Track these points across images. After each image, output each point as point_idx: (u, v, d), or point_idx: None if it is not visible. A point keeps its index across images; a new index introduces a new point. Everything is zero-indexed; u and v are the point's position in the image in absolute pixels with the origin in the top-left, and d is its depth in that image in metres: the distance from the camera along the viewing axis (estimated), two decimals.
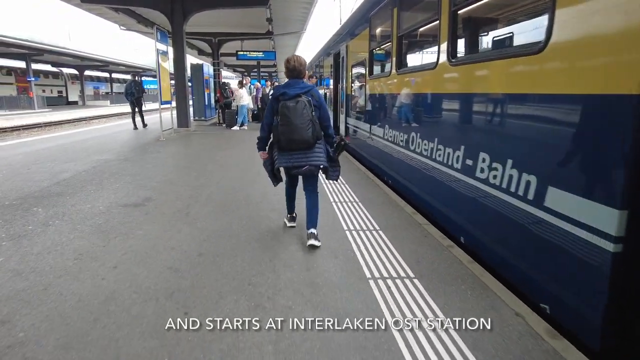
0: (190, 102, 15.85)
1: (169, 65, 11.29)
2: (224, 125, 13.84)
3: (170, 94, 11.25)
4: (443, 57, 3.77)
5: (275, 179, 3.46)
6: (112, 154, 7.77)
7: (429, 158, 4.15)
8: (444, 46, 3.76)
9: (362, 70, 7.95)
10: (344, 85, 9.60)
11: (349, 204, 4.60)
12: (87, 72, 44.76)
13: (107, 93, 48.74)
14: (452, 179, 3.57)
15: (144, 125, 13.11)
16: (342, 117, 10.05)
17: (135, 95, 12.40)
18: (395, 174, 5.61)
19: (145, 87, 19.63)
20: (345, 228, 3.72)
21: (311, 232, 3.27)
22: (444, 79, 3.90)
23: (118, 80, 52.29)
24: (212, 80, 16.54)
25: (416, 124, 4.71)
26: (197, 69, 14.89)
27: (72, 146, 8.87)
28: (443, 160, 3.78)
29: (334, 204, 4.60)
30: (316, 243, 3.21)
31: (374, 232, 3.61)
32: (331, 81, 12.84)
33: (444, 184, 3.76)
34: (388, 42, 5.89)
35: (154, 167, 6.45)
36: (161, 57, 10.46)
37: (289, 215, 3.79)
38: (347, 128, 9.51)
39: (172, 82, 12.03)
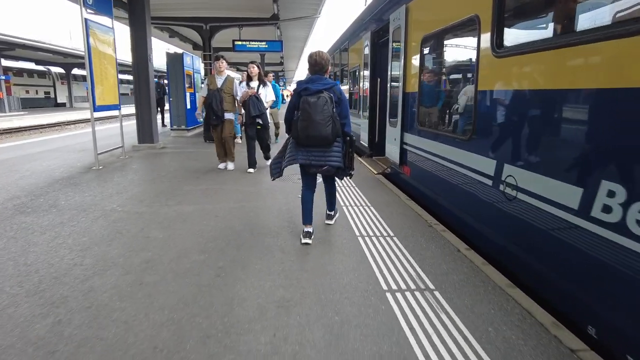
0: (166, 107, 12.03)
1: (121, 50, 7.34)
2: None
3: (117, 94, 7.29)
4: None
5: (279, 173, 3.35)
6: None
7: None
8: None
9: (462, 43, 3.92)
10: (401, 79, 5.51)
11: None
12: (81, 72, 41.31)
13: None
14: None
15: (163, 124, 13.58)
16: (393, 130, 5.96)
17: (157, 95, 12.05)
18: None
19: None
20: None
21: (328, 214, 3.68)
22: None
23: None
24: (198, 76, 12.61)
25: None
26: (176, 60, 10.95)
27: None
28: None
29: None
30: (330, 222, 3.67)
31: None
32: (360, 76, 8.82)
33: None
34: None
35: None
36: (99, 35, 6.52)
37: (304, 230, 3.29)
38: (404, 152, 5.44)
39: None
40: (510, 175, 2.89)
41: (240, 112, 6.22)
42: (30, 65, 34.37)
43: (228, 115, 6.18)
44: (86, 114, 26.96)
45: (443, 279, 2.66)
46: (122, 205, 4.33)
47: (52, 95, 38.32)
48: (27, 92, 34.42)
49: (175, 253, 3.04)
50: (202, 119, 6.69)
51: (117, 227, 3.62)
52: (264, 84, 6.06)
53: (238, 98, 6.05)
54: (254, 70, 5.98)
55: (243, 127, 6.45)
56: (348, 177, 3.36)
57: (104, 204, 4.37)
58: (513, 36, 3.04)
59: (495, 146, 3.11)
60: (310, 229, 3.30)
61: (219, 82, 6.17)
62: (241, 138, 9.49)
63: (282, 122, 9.37)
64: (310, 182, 3.38)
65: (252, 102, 5.78)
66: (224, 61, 6.22)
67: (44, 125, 21.27)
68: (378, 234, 3.50)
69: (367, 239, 3.39)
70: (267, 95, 6.08)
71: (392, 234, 3.51)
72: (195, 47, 22.36)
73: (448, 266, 2.87)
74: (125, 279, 2.59)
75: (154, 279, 2.60)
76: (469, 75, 3.66)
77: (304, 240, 3.25)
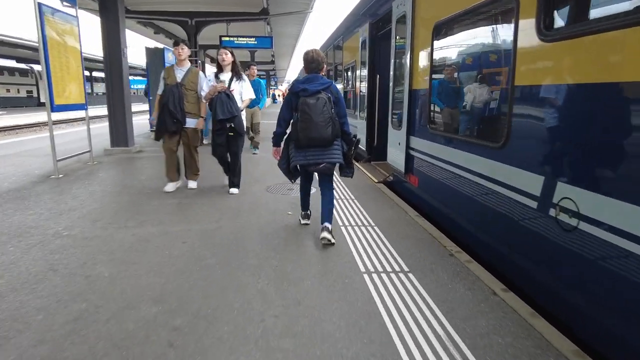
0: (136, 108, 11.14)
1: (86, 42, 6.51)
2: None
3: (82, 92, 6.45)
4: None
5: (292, 175, 3.34)
6: None
7: None
8: None
9: (490, 27, 3.20)
10: (406, 75, 4.78)
11: None
12: None
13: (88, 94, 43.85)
14: None
15: None
16: (396, 133, 5.22)
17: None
18: None
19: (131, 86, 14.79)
20: None
21: (325, 226, 3.19)
22: None
23: (102, 80, 47.51)
24: None
25: None
26: (155, 55, 10.10)
27: None
28: None
29: None
30: (329, 236, 3.12)
31: None
32: (357, 74, 8.09)
33: None
34: None
35: None
36: (58, 24, 5.68)
37: (303, 213, 3.65)
38: (411, 159, 4.71)
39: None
40: (566, 198, 2.16)
41: (202, 115, 4.75)
42: (11, 63, 32.99)
43: (191, 122, 4.68)
44: (68, 114, 25.82)
45: (485, 343, 1.92)
46: (70, 227, 3.51)
47: (35, 94, 36.93)
48: (8, 90, 33.07)
49: (119, 303, 2.25)
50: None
51: (52, 261, 2.81)
52: (239, 77, 4.53)
53: (203, 94, 4.53)
54: (227, 57, 4.46)
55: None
56: (348, 177, 3.37)
57: (47, 225, 3.54)
58: (570, 13, 2.32)
59: (543, 157, 2.38)
60: (309, 212, 3.67)
61: (179, 75, 4.56)
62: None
63: (263, 121, 8.30)
64: (307, 177, 3.51)
65: (221, 101, 4.23)
66: (184, 47, 4.62)
67: (21, 125, 20.12)
68: (389, 268, 2.75)
69: (375, 276, 2.63)
70: (242, 92, 4.53)
71: (406, 268, 2.76)
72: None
73: (487, 321, 2.13)
74: (33, 354, 1.80)
75: (76, 353, 1.81)
76: (501, 66, 2.93)
77: (303, 222, 3.63)
